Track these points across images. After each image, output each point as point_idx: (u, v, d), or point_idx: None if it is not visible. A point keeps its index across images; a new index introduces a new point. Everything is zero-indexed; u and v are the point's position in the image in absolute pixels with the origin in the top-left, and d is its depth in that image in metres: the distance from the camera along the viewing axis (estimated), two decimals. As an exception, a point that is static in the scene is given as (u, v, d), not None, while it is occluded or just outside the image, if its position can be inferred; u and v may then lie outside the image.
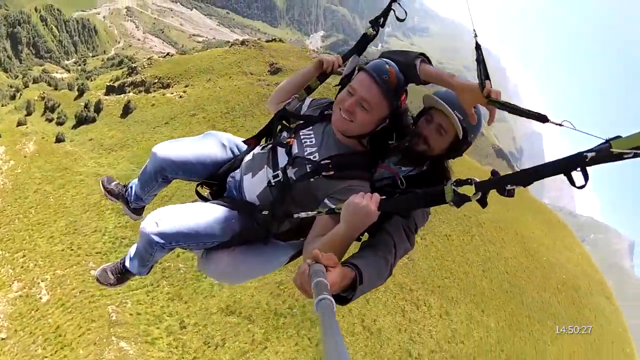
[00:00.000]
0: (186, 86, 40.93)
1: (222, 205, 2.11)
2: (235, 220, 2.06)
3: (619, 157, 1.16)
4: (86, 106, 39.95)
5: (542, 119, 1.52)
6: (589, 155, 1.21)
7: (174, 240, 1.97)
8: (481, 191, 1.49)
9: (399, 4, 2.22)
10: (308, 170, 1.97)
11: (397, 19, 2.25)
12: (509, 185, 1.43)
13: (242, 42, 49.44)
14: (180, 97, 39.61)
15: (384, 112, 1.97)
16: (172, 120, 35.64)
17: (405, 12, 2.23)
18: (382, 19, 2.30)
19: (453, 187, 1.54)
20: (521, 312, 24.68)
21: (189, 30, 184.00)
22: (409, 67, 1.95)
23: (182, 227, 1.96)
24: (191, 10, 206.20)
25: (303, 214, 1.91)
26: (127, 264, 2.46)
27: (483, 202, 1.52)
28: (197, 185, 2.37)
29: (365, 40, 2.36)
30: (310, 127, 2.16)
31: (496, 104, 1.67)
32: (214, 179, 2.34)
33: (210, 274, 2.21)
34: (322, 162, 1.97)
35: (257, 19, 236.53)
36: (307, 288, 1.23)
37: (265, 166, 2.10)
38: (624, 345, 26.83)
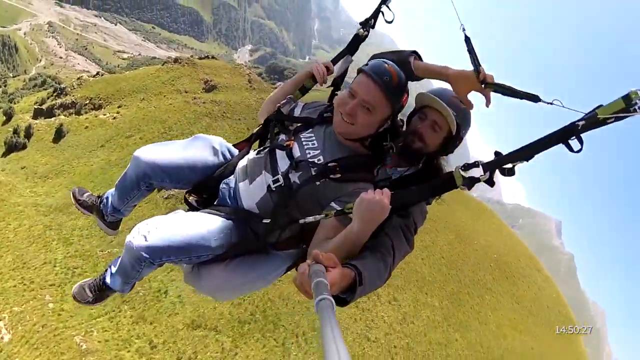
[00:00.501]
0: (119, 107, 39.31)
1: (215, 214, 1.98)
2: (231, 231, 1.94)
3: (604, 122, 1.33)
4: (15, 132, 36.92)
5: (534, 98, 1.60)
6: (580, 123, 1.36)
7: (164, 255, 1.80)
8: (489, 171, 1.54)
9: (387, 6, 2.23)
10: (313, 173, 1.89)
11: (386, 21, 2.25)
12: (511, 164, 1.50)
13: (175, 60, 48.72)
14: (114, 118, 38.05)
15: (387, 113, 1.94)
16: (108, 142, 34.36)
17: (393, 14, 2.23)
18: (372, 20, 2.30)
19: (461, 171, 1.59)
20: (460, 290, 26.79)
21: (113, 47, 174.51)
22: (403, 64, 1.96)
23: (173, 241, 1.80)
24: (116, 25, 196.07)
25: (310, 218, 1.82)
26: (108, 280, 2.26)
27: (491, 182, 1.56)
28: (186, 193, 2.22)
29: (357, 41, 2.35)
30: (310, 130, 2.08)
31: (492, 86, 1.74)
32: (204, 186, 2.18)
33: (202, 289, 2.05)
34: (328, 165, 1.89)
35: (184, 34, 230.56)
36: (307, 288, 1.20)
37: (264, 171, 1.99)
38: (559, 308, 30.02)
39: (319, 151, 1.97)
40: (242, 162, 2.14)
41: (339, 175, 1.87)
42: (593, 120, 1.36)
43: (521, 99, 1.69)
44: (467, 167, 1.61)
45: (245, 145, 2.29)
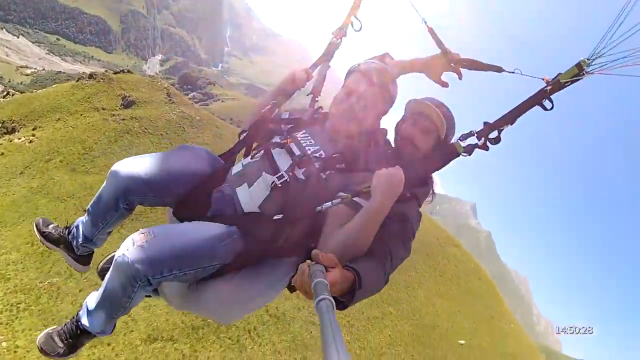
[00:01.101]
0: (34, 129, 36.56)
1: (215, 222, 1.76)
2: (237, 236, 1.71)
3: (564, 85, 1.61)
4: None
5: (498, 69, 1.87)
6: (548, 88, 1.62)
7: (166, 267, 1.53)
8: (483, 137, 1.73)
9: (356, 17, 2.38)
10: (317, 166, 1.86)
11: (354, 30, 2.39)
12: (498, 130, 1.71)
13: (90, 76, 46.19)
14: (31, 141, 34.58)
15: (381, 109, 2.09)
16: (27, 168, 31.88)
17: (360, 23, 2.38)
18: (345, 30, 2.41)
19: (460, 141, 1.80)
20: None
21: (16, 62, 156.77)
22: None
23: (177, 248, 1.56)
24: (18, 37, 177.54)
25: (327, 204, 1.74)
26: (85, 322, 1.90)
27: (485, 147, 1.75)
28: (175, 206, 1.94)
29: (331, 50, 2.40)
30: (304, 130, 2.07)
31: (460, 63, 2.04)
32: (193, 198, 1.91)
33: (204, 309, 1.81)
34: (333, 156, 1.89)
35: (91, 45, 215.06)
36: (307, 289, 1.19)
37: (264, 173, 1.87)
38: (479, 275, 33.57)
39: (318, 147, 1.95)
40: (236, 168, 2.00)
41: (343, 165, 1.89)
42: (557, 85, 1.62)
43: (487, 70, 1.93)
44: (464, 137, 1.80)
45: (230, 155, 2.17)
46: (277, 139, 2.03)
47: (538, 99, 1.66)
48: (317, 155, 1.92)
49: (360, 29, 2.37)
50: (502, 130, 1.73)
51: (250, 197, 1.85)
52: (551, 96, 1.64)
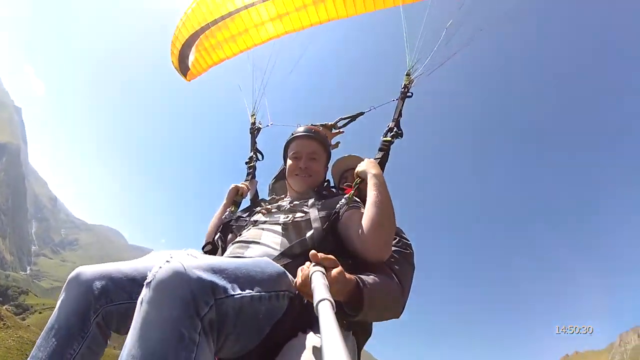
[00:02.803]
0: None
1: None
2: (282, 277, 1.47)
3: (406, 94, 2.69)
4: None
5: (361, 114, 2.86)
6: (398, 98, 2.69)
7: (238, 281, 1.23)
8: (395, 126, 2.56)
9: (269, 123, 3.22)
10: (305, 207, 2.14)
11: (259, 128, 3.27)
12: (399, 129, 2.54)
13: None
14: None
15: (325, 158, 2.53)
16: None
17: (270, 121, 3.17)
18: (255, 134, 3.27)
19: (385, 136, 2.52)
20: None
21: None
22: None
23: (239, 264, 1.32)
24: None
25: (339, 204, 2.03)
26: None
27: (400, 134, 2.55)
28: None
29: (253, 170, 3.04)
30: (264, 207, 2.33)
31: (337, 126, 2.90)
32: None
33: None
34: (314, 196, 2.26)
35: None
36: (308, 290, 1.16)
37: (263, 232, 2.00)
38: None
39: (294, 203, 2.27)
40: (231, 248, 1.98)
41: (326, 193, 2.34)
42: (402, 94, 2.69)
43: (356, 118, 2.86)
44: (386, 133, 2.52)
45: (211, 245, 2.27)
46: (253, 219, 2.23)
47: (404, 97, 2.68)
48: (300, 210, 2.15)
49: (270, 125, 3.30)
50: (399, 122, 2.57)
51: (264, 247, 1.88)
52: (409, 92, 2.70)
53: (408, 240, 2.17)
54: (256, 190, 2.92)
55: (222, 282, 1.17)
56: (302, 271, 1.37)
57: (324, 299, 0.90)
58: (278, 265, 1.51)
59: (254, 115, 3.43)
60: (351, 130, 3.02)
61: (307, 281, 1.23)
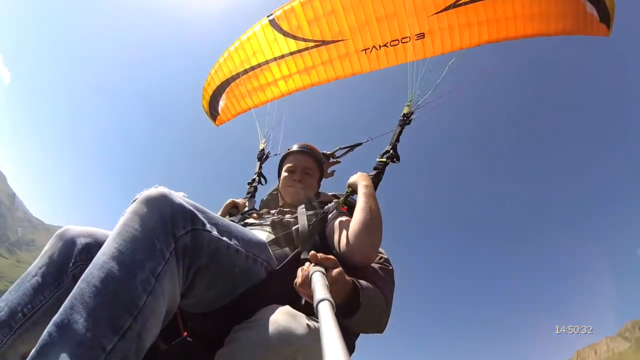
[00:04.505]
0: None
1: None
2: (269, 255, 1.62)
3: (408, 119, 2.77)
4: None
5: (359, 145, 2.78)
6: (398, 125, 2.74)
7: (217, 224, 1.33)
8: (392, 149, 2.60)
9: (277, 153, 3.22)
10: (296, 210, 2.19)
11: (262, 183, 3.21)
12: (394, 151, 2.58)
13: None
14: None
15: (319, 173, 2.61)
16: None
17: (266, 180, 3.21)
18: (263, 160, 3.39)
19: (381, 158, 2.53)
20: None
21: None
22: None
23: (224, 220, 1.42)
24: None
25: (329, 207, 2.13)
26: None
27: (396, 157, 2.57)
28: None
29: (254, 190, 3.14)
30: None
31: (334, 156, 2.82)
32: None
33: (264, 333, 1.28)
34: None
35: None
36: (308, 291, 1.17)
37: (252, 230, 1.97)
38: None
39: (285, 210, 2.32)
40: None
41: (316, 204, 2.27)
42: (402, 122, 2.74)
43: (354, 149, 2.79)
44: (382, 155, 2.54)
45: None
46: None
47: (405, 123, 2.75)
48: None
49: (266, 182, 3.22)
50: (396, 147, 2.59)
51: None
52: (410, 119, 2.74)
53: (387, 257, 2.08)
54: (253, 208, 2.88)
55: (203, 218, 1.24)
56: (301, 271, 1.34)
57: (324, 299, 0.87)
58: (261, 238, 1.62)
59: (264, 142, 3.59)
60: (349, 159, 2.99)
61: (307, 281, 1.21)
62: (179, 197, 1.21)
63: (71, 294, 0.99)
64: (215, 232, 1.28)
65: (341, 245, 1.82)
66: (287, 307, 1.40)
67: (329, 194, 2.71)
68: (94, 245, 1.39)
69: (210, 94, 3.99)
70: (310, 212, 2.09)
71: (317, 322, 1.28)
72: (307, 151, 2.55)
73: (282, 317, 1.32)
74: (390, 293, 1.84)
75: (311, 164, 2.54)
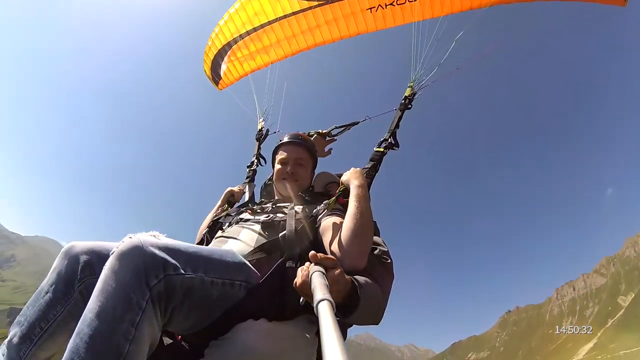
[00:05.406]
0: None
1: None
2: (250, 270, 1.68)
3: (410, 103, 2.66)
4: None
5: (355, 123, 2.86)
6: (398, 108, 2.66)
7: (190, 263, 1.38)
8: (391, 137, 2.55)
9: (277, 130, 3.36)
10: (289, 208, 2.17)
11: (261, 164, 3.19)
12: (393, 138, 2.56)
13: None
14: None
15: (311, 164, 2.61)
16: None
17: (265, 160, 3.21)
18: (262, 140, 3.37)
19: (379, 147, 2.51)
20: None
21: None
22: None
23: (198, 249, 1.50)
24: None
25: (319, 208, 2.14)
26: None
27: (394, 145, 2.51)
28: None
29: (253, 174, 3.14)
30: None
31: (331, 134, 2.93)
32: None
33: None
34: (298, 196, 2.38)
35: None
36: (308, 291, 1.17)
37: (243, 229, 2.08)
38: None
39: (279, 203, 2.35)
40: (211, 245, 2.13)
41: (309, 197, 2.35)
42: (403, 105, 2.62)
43: (350, 127, 2.86)
44: (379, 143, 2.49)
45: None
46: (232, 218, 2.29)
47: (405, 108, 2.66)
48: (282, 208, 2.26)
49: (265, 162, 3.17)
50: (395, 134, 2.54)
51: (243, 242, 1.98)
52: (410, 104, 2.67)
53: (387, 249, 2.10)
54: (253, 193, 2.96)
55: (174, 261, 1.33)
56: (301, 271, 1.37)
57: (324, 299, 0.88)
58: (240, 257, 1.70)
59: (262, 120, 3.48)
60: (347, 136, 3.06)
61: (306, 281, 1.25)
62: (152, 244, 1.31)
63: (69, 346, 1.15)
64: (188, 272, 1.37)
65: (332, 250, 1.86)
66: (261, 322, 1.55)
67: (334, 174, 2.69)
68: (95, 261, 1.51)
69: (212, 59, 3.85)
70: (300, 215, 2.11)
71: (297, 327, 1.63)
72: (298, 141, 2.56)
73: (251, 336, 1.49)
74: (388, 287, 1.88)
75: (303, 154, 2.54)
